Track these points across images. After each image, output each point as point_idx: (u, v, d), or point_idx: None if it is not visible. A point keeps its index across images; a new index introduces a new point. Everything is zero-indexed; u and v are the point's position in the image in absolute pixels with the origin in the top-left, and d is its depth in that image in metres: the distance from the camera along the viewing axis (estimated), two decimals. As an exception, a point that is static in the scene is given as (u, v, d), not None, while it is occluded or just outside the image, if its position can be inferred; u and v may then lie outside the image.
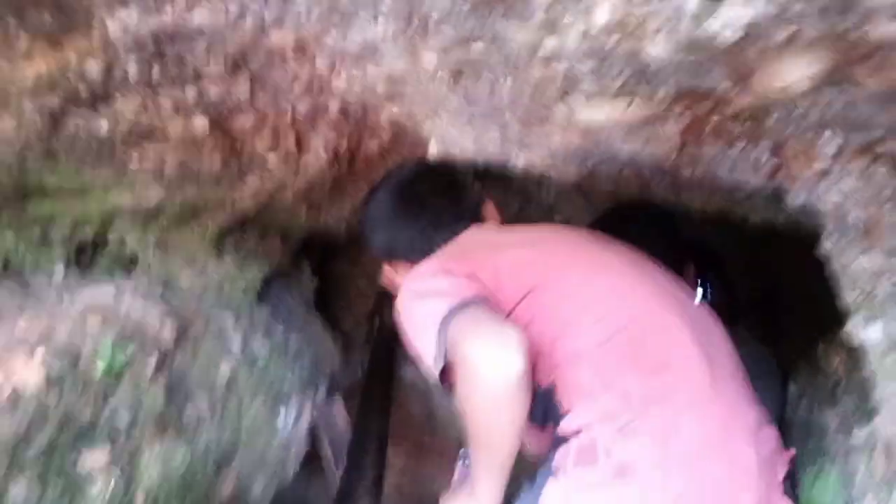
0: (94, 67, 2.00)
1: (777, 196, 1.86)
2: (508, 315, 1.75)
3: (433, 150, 2.31)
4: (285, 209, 3.02)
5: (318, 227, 3.44)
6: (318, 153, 2.76)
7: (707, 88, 1.13)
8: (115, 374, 1.99)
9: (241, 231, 2.97)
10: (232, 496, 2.77)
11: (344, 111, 2.63)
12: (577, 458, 1.47)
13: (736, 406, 1.59)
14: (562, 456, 1.52)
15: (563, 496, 1.47)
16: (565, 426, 1.57)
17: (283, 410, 2.81)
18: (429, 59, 1.45)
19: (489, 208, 2.66)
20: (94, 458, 1.91)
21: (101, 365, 1.92)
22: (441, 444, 4.86)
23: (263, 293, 3.15)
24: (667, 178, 2.36)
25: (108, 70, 2.04)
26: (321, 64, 2.00)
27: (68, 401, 1.83)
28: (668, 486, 1.37)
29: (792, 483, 1.97)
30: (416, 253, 2.37)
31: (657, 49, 0.97)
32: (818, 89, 1.02)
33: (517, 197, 4.46)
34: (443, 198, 2.49)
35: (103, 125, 2.22)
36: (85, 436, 1.88)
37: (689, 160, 1.87)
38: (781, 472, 1.65)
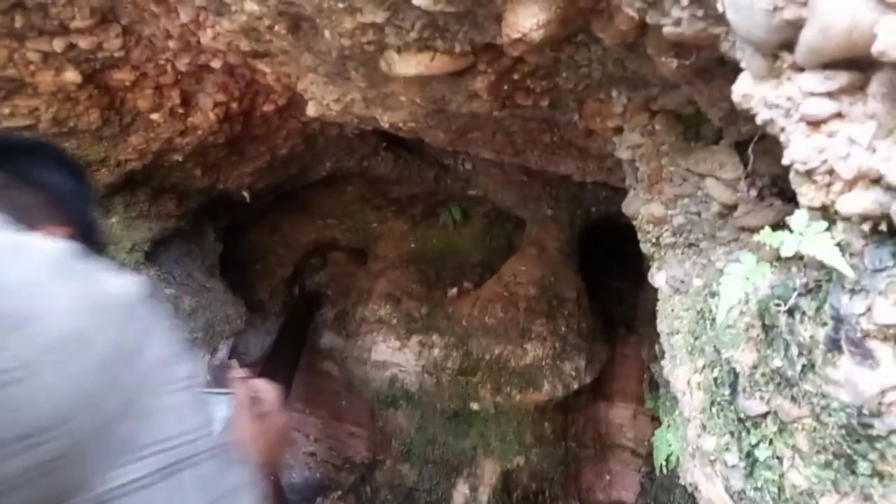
0: (-52, 14, 1.96)
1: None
2: None
3: (311, 111, 2.33)
4: (177, 169, 3.01)
5: (220, 190, 3.43)
6: (206, 112, 2.75)
7: (492, 42, 1.19)
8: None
9: (130, 191, 2.95)
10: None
11: (230, 71, 2.63)
12: None
13: None
14: None
15: None
16: None
17: (171, 370, 2.82)
18: (251, 7, 1.47)
19: None
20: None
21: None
22: (356, 410, 4.95)
23: (157, 254, 3.14)
24: (538, 146, 2.45)
25: (-34, 17, 2.00)
26: (185, 17, 1.99)
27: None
28: None
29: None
30: None
31: (421, -1, 1.02)
32: (568, 44, 1.09)
33: (433, 168, 4.50)
34: None
35: (-34, 75, 2.18)
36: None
37: (542, 125, 1.95)
38: None
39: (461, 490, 4.42)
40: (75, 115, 2.44)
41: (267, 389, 1.23)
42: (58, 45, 2.18)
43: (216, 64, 2.48)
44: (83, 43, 2.20)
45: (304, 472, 4.99)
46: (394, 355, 4.40)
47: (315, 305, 4.89)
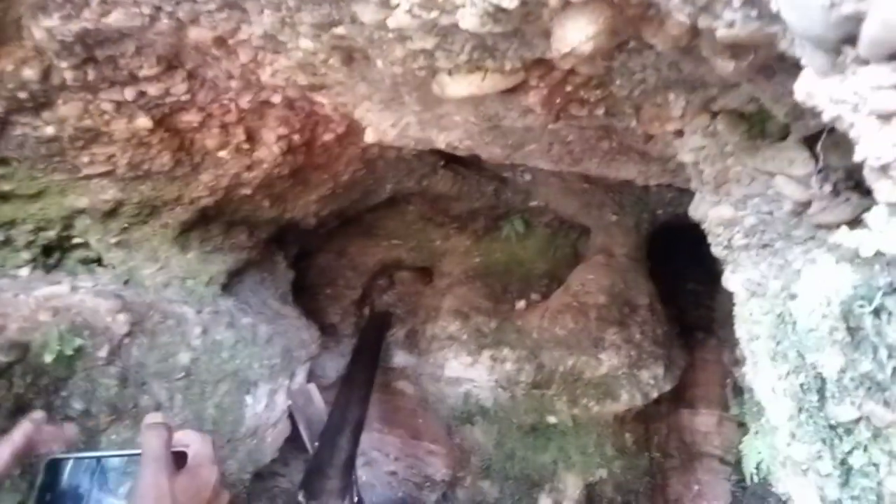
0: (30, 74, 2.10)
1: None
2: None
3: (369, 137, 2.37)
4: (247, 202, 3.11)
5: (287, 219, 3.53)
6: (270, 146, 2.85)
7: (543, 57, 1.19)
8: (65, 365, 2.09)
9: (205, 226, 3.07)
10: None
11: (290, 105, 2.72)
12: None
13: None
14: None
15: None
16: None
17: (250, 397, 2.91)
18: (305, 43, 1.52)
19: None
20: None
21: (49, 356, 2.03)
22: (433, 428, 4.97)
23: (233, 285, 3.25)
24: (597, 153, 2.42)
25: (46, 76, 2.13)
26: (245, 58, 2.07)
27: (19, 390, 1.94)
28: None
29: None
30: None
31: (467, 22, 1.03)
32: (619, 52, 1.07)
33: (492, 182, 4.50)
34: None
35: (49, 129, 2.33)
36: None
37: (600, 132, 1.93)
38: None
39: (544, 505, 4.36)
40: (149, 159, 2.56)
41: (195, 441, 1.04)
42: (128, 93, 2.30)
43: (276, 99, 2.56)
44: (152, 90, 2.32)
45: (386, 491, 5.03)
46: (466, 371, 4.40)
47: (385, 325, 4.95)
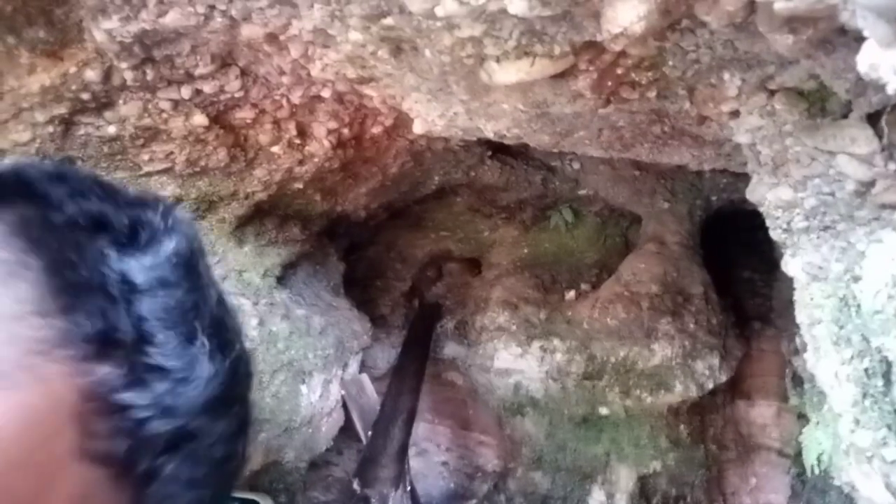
0: (92, 75, 2.18)
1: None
2: None
3: (417, 129, 2.39)
4: (299, 196, 3.18)
5: (338, 213, 3.59)
6: (321, 140, 2.90)
7: (592, 40, 1.18)
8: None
9: (260, 221, 3.15)
10: (264, 467, 2.96)
11: (339, 99, 2.76)
12: None
13: None
14: None
15: None
16: None
17: (305, 387, 2.97)
18: (354, 36, 1.54)
19: None
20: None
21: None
22: (483, 419, 4.98)
23: (287, 278, 3.33)
24: (649, 138, 2.38)
25: (107, 76, 2.22)
26: (295, 53, 2.11)
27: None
28: None
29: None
30: None
31: (516, 6, 1.03)
32: (672, 31, 1.05)
33: (540, 171, 4.47)
34: None
35: (111, 129, 2.42)
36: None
37: (652, 116, 1.90)
38: None
39: (597, 497, 4.32)
40: (206, 155, 2.64)
41: None
42: (185, 92, 2.37)
43: (326, 93, 2.60)
44: (207, 88, 2.39)
45: (437, 482, 5.07)
46: (516, 362, 4.39)
47: (435, 317, 4.98)
